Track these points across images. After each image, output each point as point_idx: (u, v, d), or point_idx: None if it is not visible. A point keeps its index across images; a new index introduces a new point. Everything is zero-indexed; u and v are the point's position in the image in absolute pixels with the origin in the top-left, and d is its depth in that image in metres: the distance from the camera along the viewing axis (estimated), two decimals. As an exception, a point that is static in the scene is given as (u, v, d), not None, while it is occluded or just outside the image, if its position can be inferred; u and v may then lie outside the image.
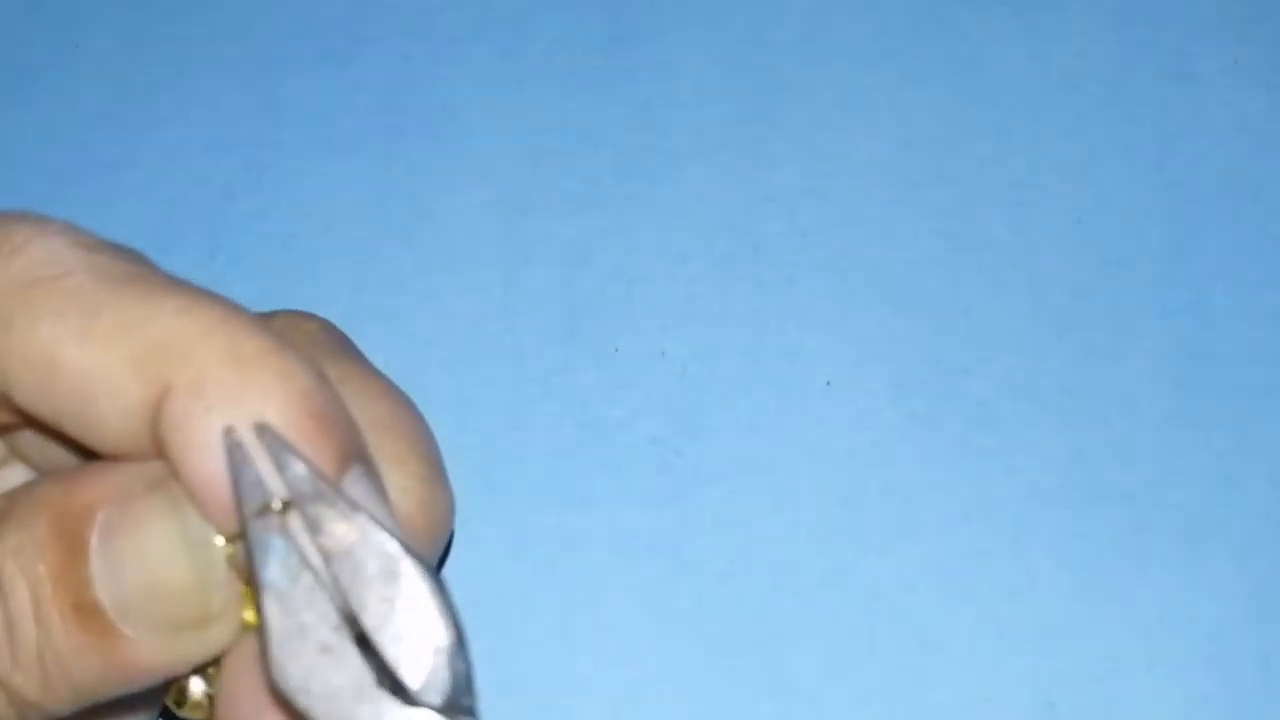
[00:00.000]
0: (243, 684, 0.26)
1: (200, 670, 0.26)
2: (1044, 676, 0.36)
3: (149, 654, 0.25)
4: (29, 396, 0.26)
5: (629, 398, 0.39)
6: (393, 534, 0.24)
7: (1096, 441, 0.38)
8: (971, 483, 0.38)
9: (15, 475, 0.30)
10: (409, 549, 0.24)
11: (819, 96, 0.42)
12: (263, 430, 0.24)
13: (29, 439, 0.29)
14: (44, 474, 0.28)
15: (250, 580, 0.25)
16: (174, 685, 0.27)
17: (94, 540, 0.25)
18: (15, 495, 0.26)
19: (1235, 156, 0.41)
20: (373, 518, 0.24)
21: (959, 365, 0.39)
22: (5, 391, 0.26)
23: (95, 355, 0.25)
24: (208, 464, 0.24)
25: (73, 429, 0.26)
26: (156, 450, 0.25)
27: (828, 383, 0.39)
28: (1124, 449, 0.38)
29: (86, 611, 0.25)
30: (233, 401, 0.24)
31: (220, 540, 0.25)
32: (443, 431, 0.32)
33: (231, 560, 0.25)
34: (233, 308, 0.25)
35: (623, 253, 0.40)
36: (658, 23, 0.43)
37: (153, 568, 0.25)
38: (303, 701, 0.23)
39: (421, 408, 0.35)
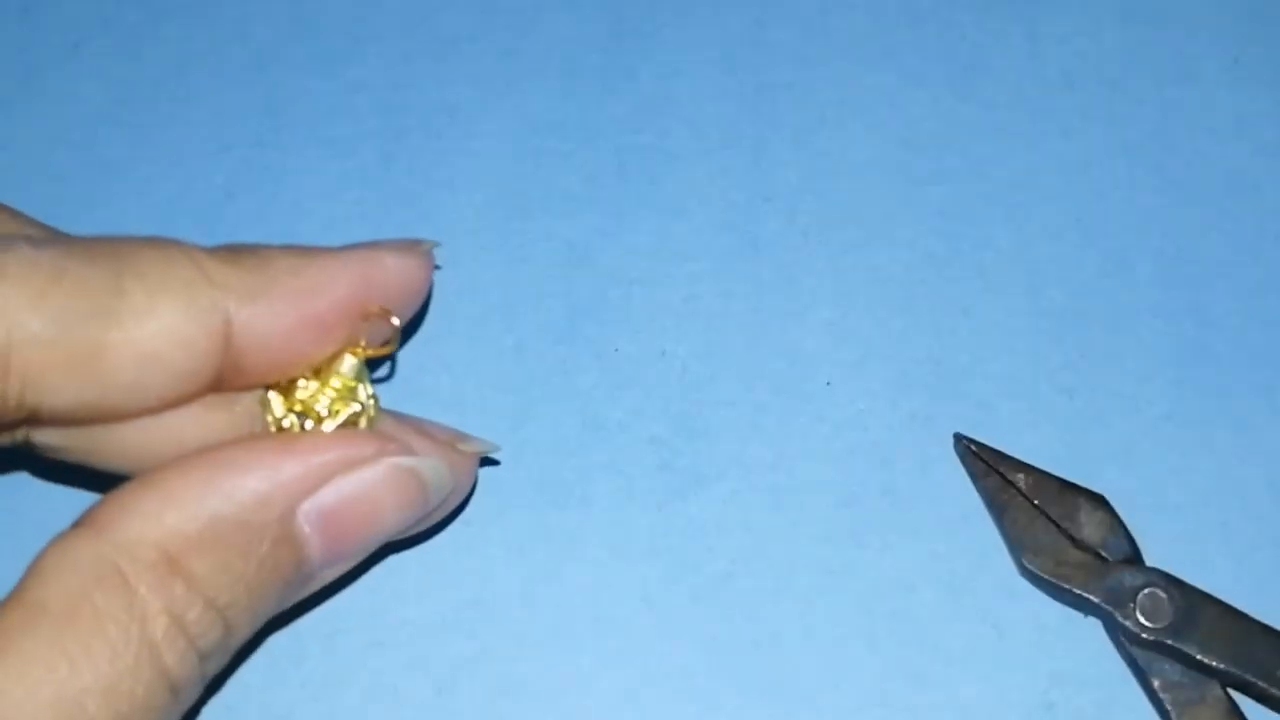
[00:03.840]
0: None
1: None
2: (1044, 676, 0.36)
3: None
4: (67, 396, 0.28)
5: (629, 398, 0.39)
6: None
7: (1096, 441, 0.38)
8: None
9: None
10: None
11: (819, 96, 0.42)
12: None
13: None
14: None
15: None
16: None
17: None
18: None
19: (1235, 156, 0.41)
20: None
21: (959, 365, 0.39)
22: (35, 408, 0.28)
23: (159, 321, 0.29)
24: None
25: (115, 403, 0.29)
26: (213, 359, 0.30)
27: (828, 383, 0.39)
28: (1124, 449, 0.38)
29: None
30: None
31: None
32: (443, 431, 0.32)
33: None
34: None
35: (623, 253, 0.40)
36: (658, 22, 0.43)
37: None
38: None
39: (422, 408, 0.35)
